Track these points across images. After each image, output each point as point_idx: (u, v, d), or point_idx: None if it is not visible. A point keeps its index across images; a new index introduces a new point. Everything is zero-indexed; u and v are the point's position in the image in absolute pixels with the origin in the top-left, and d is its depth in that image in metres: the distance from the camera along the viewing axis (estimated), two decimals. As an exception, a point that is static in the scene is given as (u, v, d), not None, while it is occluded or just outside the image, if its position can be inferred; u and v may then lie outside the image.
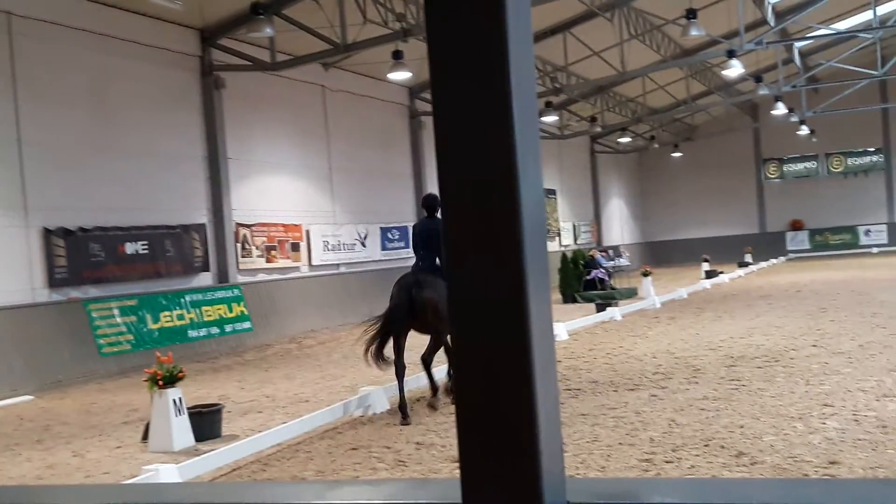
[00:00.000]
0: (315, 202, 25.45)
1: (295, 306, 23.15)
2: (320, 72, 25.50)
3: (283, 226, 23.90)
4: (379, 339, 11.03)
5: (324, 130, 25.93)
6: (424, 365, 11.03)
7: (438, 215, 11.43)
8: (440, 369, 11.61)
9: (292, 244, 24.21)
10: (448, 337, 10.41)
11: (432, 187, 24.52)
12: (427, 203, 12.22)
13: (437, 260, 11.26)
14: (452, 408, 1.13)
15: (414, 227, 12.52)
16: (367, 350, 11.06)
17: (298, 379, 14.47)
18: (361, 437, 9.43)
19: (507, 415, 1.11)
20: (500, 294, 1.12)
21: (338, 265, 26.10)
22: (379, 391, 10.96)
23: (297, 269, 24.43)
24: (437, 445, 8.69)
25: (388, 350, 10.93)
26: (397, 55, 21.75)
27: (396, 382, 10.69)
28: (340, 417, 10.28)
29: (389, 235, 28.56)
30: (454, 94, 1.12)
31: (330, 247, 25.64)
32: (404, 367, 10.88)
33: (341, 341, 20.09)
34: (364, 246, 27.26)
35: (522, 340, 1.11)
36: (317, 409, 10.45)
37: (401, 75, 22.70)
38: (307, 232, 24.84)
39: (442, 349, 11.11)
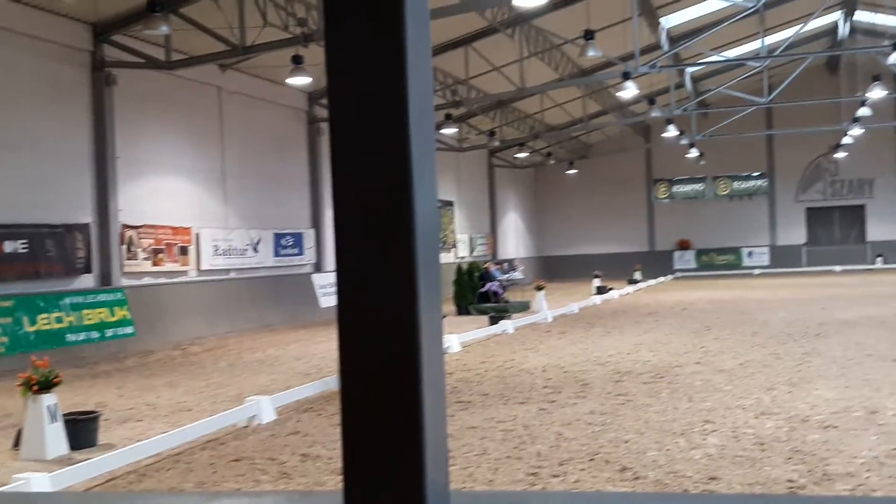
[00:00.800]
0: (206, 205, 24.96)
1: (181, 312, 22.62)
2: (217, 73, 25.07)
3: (172, 228, 23.35)
4: None
5: (219, 133, 25.48)
6: None
7: None
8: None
9: (181, 248, 23.67)
10: None
11: (329, 195, 24.30)
12: None
13: None
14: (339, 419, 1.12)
15: None
16: None
17: (182, 387, 14.11)
18: (245, 448, 9.23)
19: (393, 426, 1.08)
20: (390, 304, 1.09)
21: (228, 271, 25.65)
22: (266, 401, 10.75)
23: (184, 273, 23.89)
24: (323, 457, 8.55)
25: None
26: (297, 60, 21.55)
27: None
28: (224, 427, 10.04)
29: (283, 242, 28.20)
30: (350, 100, 1.09)
31: (220, 251, 25.16)
32: None
33: (229, 349, 19.72)
34: (256, 252, 26.85)
35: (411, 352, 1.08)
36: (199, 419, 10.19)
37: (300, 80, 22.48)
38: (197, 235, 24.33)
39: None
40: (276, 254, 27.85)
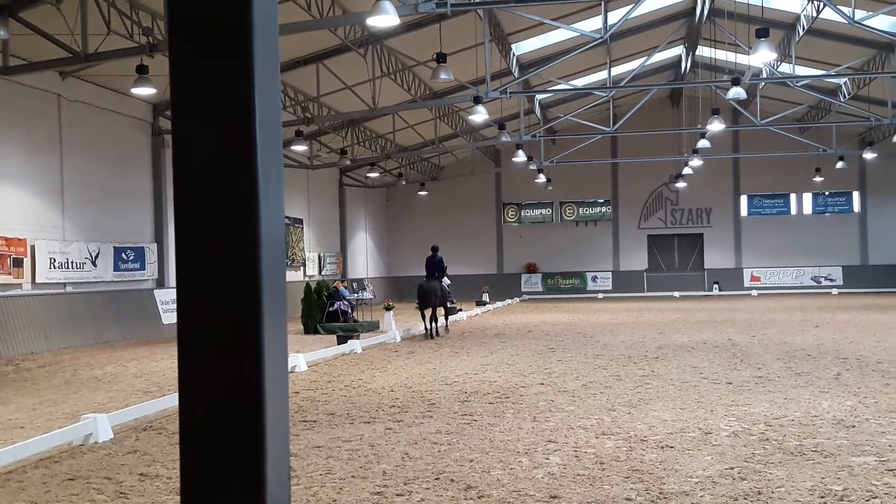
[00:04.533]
0: (43, 216, 23.93)
1: (14, 326, 21.58)
2: (57, 80, 24.15)
3: (5, 239, 22.28)
4: (421, 309, 24.82)
5: (57, 142, 24.50)
6: (440, 320, 25.30)
7: (438, 253, 25.92)
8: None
9: (14, 259, 22.59)
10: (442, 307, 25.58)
11: (172, 207, 23.75)
12: (432, 247, 26.49)
13: (436, 274, 25.21)
14: (188, 440, 1.08)
15: (427, 259, 25.77)
16: (421, 314, 24.89)
17: (13, 404, 13.45)
18: (81, 467, 8.86)
19: (234, 444, 1.06)
20: (233, 321, 1.06)
21: (65, 284, 24.63)
22: (102, 419, 10.34)
23: (18, 286, 22.81)
24: (162, 477, 8.30)
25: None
26: (142, 70, 21.02)
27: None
28: (58, 446, 9.61)
29: (124, 256, 27.30)
30: (195, 114, 1.06)
31: (57, 264, 24.14)
32: (431, 321, 24.56)
33: (64, 365, 18.92)
34: (95, 265, 25.90)
35: (253, 369, 1.06)
36: (32, 437, 9.73)
37: (145, 91, 21.91)
38: (32, 247, 23.28)
39: (441, 314, 25.72)
40: (117, 268, 26.94)
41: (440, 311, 25.57)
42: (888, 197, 50.39)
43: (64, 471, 8.67)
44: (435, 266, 25.44)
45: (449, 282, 26.38)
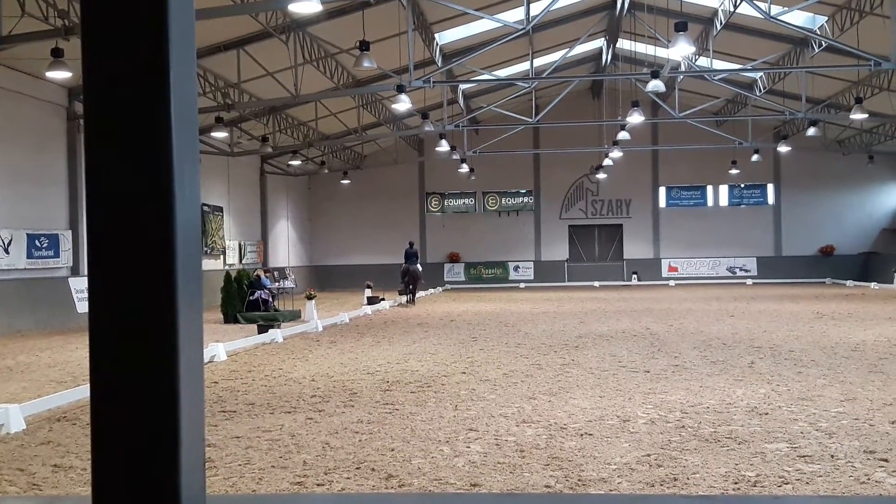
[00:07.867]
0: (-47, 202, 23.26)
1: (-79, 315, 20.94)
2: (-31, 62, 23.48)
3: (-87, 226, 21.60)
4: (404, 285, 35.46)
5: (-32, 126, 23.82)
6: (412, 294, 35.77)
7: (414, 246, 37.45)
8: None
9: (-77, 247, 21.91)
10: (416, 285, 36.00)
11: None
12: (409, 242, 38.99)
13: (413, 260, 35.53)
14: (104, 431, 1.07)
15: (406, 250, 36.33)
16: (405, 289, 35.56)
17: (-80, 396, 13.05)
18: (-10, 459, 8.65)
19: (147, 436, 1.04)
20: (146, 310, 1.04)
21: (-25, 273, 23.99)
22: (15, 409, 10.09)
23: (-74, 274, 22.15)
24: (76, 468, 8.13)
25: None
26: (57, 53, 20.53)
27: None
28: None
29: (37, 243, 26.62)
30: (108, 98, 1.03)
31: (-33, 252, 23.48)
32: (409, 295, 35.61)
33: (-26, 356, 18.41)
34: (7, 253, 25.22)
35: (167, 359, 1.04)
36: (-62, 430, 9.45)
37: (60, 74, 21.41)
38: (-58, 234, 22.61)
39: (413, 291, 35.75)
40: (30, 255, 26.27)
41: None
42: (801, 189, 51.72)
43: (-27, 463, 8.45)
44: (412, 256, 35.67)
45: (421, 268, 36.66)
